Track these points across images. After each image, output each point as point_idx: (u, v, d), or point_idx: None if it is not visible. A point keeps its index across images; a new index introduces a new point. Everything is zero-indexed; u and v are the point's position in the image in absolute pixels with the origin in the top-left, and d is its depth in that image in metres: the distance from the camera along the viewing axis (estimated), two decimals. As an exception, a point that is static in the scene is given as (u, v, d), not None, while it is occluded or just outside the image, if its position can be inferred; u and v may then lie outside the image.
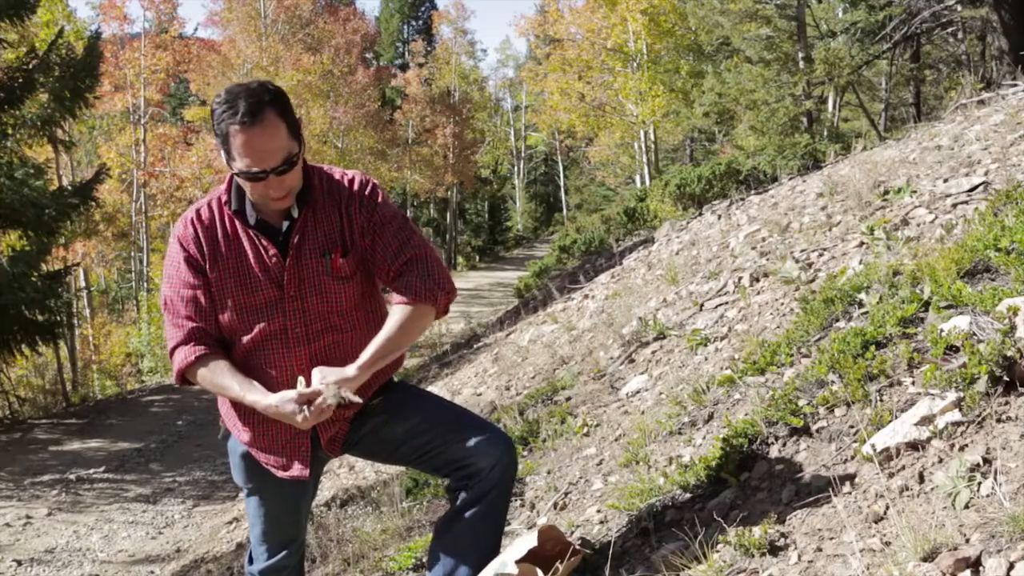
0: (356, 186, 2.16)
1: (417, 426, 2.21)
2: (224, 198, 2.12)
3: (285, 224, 2.11)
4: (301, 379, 2.03)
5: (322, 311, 2.13)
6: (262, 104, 1.93)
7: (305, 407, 1.97)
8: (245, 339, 2.12)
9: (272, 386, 2.08)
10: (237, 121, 1.92)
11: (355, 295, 2.18)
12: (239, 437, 2.24)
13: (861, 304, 2.98)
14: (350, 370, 2.02)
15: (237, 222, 2.11)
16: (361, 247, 2.15)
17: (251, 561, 2.43)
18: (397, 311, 2.10)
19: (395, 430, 2.22)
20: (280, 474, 2.20)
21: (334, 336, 2.15)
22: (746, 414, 2.67)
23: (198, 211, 2.13)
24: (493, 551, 2.18)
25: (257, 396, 2.04)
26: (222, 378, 2.08)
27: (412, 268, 2.13)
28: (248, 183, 2.00)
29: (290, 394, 1.99)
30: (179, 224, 2.14)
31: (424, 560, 3.06)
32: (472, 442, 2.16)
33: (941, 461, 1.97)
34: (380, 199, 2.16)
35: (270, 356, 2.13)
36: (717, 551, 2.06)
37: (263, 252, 2.10)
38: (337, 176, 2.18)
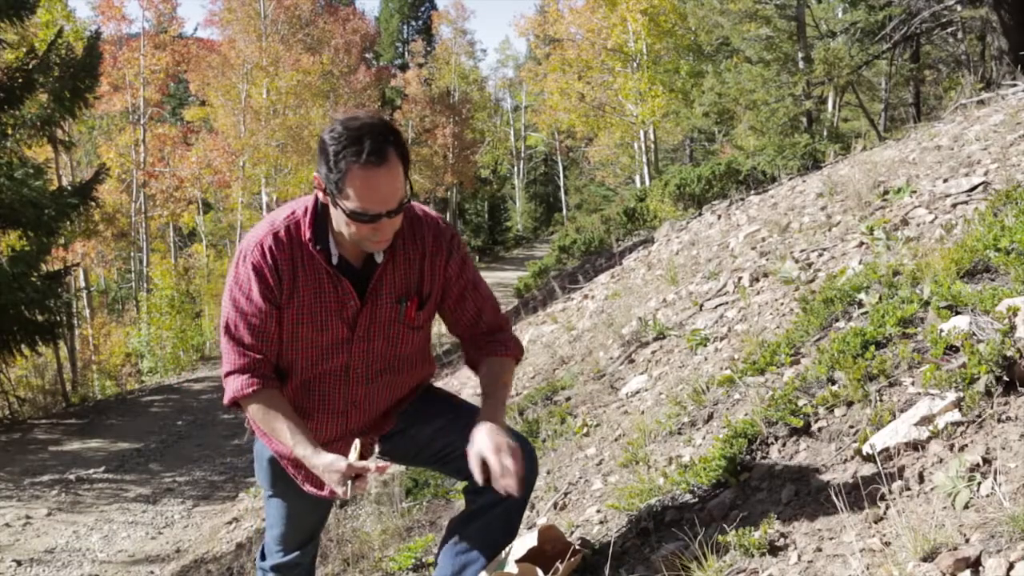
0: (442, 231, 2.11)
1: (441, 428, 2.21)
2: (308, 234, 2.00)
3: (363, 263, 2.06)
4: (357, 442, 1.97)
5: (386, 354, 2.12)
6: (387, 144, 1.84)
7: (350, 481, 1.92)
8: (305, 373, 2.10)
9: (323, 418, 2.12)
10: (363, 160, 1.81)
11: (419, 341, 2.19)
12: (271, 447, 2.22)
13: (861, 304, 2.98)
14: (499, 425, 2.04)
15: (319, 259, 2.01)
16: (437, 297, 2.14)
17: (263, 557, 2.42)
18: (502, 364, 2.17)
19: (421, 433, 2.23)
20: (310, 490, 2.18)
21: (390, 376, 2.17)
22: (746, 414, 2.67)
23: (275, 236, 2.00)
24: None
25: (306, 452, 1.97)
26: (275, 420, 2.01)
27: (502, 327, 2.23)
28: (355, 223, 1.89)
29: (340, 464, 1.91)
30: (253, 248, 2.00)
31: (424, 560, 3.06)
32: None
33: (941, 461, 1.97)
34: (465, 252, 2.18)
35: (326, 390, 2.12)
36: (717, 551, 2.06)
37: (342, 294, 2.03)
38: (419, 213, 2.10)
